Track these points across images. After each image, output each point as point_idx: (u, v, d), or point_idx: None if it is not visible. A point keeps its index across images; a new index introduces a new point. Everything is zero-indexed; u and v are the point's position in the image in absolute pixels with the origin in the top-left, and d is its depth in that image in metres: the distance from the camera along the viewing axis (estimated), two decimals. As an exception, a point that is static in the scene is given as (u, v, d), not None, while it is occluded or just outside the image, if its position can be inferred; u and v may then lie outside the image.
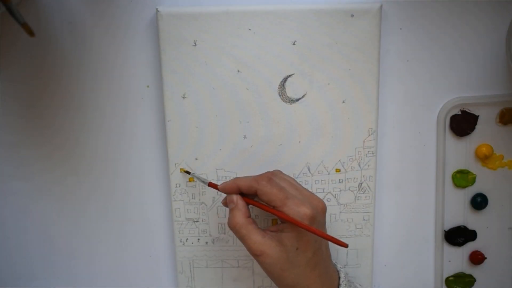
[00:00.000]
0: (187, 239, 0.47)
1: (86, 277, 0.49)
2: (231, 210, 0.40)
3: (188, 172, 0.45)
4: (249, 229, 0.39)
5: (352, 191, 0.46)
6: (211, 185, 0.43)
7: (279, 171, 0.43)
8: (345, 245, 0.37)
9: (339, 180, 0.46)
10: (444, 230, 0.48)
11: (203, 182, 0.44)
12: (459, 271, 0.49)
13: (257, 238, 0.38)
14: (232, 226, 0.39)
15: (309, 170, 0.45)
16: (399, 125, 0.46)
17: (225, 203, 0.42)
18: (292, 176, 0.45)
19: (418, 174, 0.47)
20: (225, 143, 0.45)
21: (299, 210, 0.37)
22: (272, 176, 0.40)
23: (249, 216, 0.40)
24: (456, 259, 0.49)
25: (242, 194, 0.41)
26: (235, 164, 0.45)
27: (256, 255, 0.38)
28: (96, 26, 0.43)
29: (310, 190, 0.46)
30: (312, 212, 0.37)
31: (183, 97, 0.44)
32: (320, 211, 0.39)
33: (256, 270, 0.48)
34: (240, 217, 0.39)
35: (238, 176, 0.45)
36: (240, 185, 0.40)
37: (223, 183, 0.41)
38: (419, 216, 0.48)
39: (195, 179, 0.45)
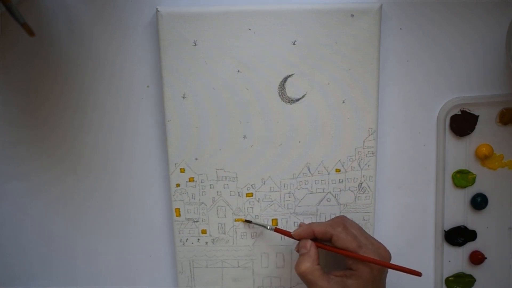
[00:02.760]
0: (187, 239, 0.47)
1: (85, 277, 0.49)
2: (301, 255, 0.42)
3: (249, 222, 0.46)
4: (316, 275, 0.41)
5: (352, 191, 0.46)
6: (278, 230, 0.45)
7: (346, 216, 0.44)
8: (419, 274, 0.40)
9: (339, 180, 0.46)
10: (444, 230, 0.48)
11: (268, 228, 0.45)
12: (459, 271, 0.49)
13: (323, 284, 0.40)
14: (300, 272, 0.41)
15: (309, 170, 0.45)
16: (399, 125, 0.46)
17: (298, 249, 0.44)
18: (292, 177, 0.45)
19: (418, 174, 0.47)
20: (225, 143, 0.45)
21: None
22: (345, 223, 0.42)
23: (318, 263, 0.42)
24: (456, 259, 0.49)
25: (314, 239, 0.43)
26: (235, 164, 0.45)
27: None
28: (96, 26, 0.43)
29: (310, 190, 0.46)
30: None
31: (183, 97, 0.44)
32: (387, 261, 0.42)
33: (256, 270, 0.48)
34: (309, 263, 0.41)
35: (238, 176, 0.45)
36: (316, 231, 0.42)
37: (297, 230, 0.44)
38: (419, 216, 0.48)
39: (259, 225, 0.46)
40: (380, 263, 0.40)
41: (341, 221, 0.42)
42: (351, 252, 0.40)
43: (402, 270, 0.40)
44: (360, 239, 0.41)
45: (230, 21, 0.42)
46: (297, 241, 0.44)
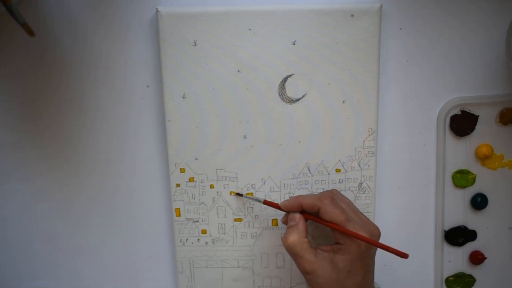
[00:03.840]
0: (187, 239, 0.47)
1: (85, 277, 0.49)
2: (289, 227, 0.41)
3: (240, 194, 0.45)
4: (303, 248, 0.40)
5: (352, 191, 0.46)
6: (267, 203, 0.44)
7: (337, 190, 0.44)
8: (406, 256, 0.37)
9: (339, 180, 0.46)
10: (444, 230, 0.48)
11: (258, 201, 0.45)
12: (459, 271, 0.49)
13: (310, 257, 0.39)
14: (287, 244, 0.40)
15: (309, 170, 0.45)
16: (399, 125, 0.46)
17: (285, 221, 0.43)
18: (292, 177, 0.45)
19: (418, 174, 0.47)
20: (225, 143, 0.45)
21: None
22: (334, 196, 0.41)
23: (306, 236, 0.41)
24: (456, 259, 0.49)
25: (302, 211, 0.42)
26: (235, 164, 0.45)
27: (307, 273, 0.39)
28: (96, 26, 0.43)
29: (310, 190, 0.46)
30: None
31: (183, 97, 0.44)
32: (375, 238, 0.40)
33: (256, 270, 0.48)
34: (296, 235, 0.40)
35: (238, 176, 0.45)
36: (303, 203, 0.41)
37: (284, 202, 0.43)
38: (419, 216, 0.48)
39: (249, 200, 0.46)
40: (364, 239, 0.38)
41: (330, 194, 0.41)
42: (337, 225, 0.39)
43: (387, 250, 0.38)
44: (349, 213, 0.40)
45: (230, 21, 0.42)
46: (285, 213, 0.43)
